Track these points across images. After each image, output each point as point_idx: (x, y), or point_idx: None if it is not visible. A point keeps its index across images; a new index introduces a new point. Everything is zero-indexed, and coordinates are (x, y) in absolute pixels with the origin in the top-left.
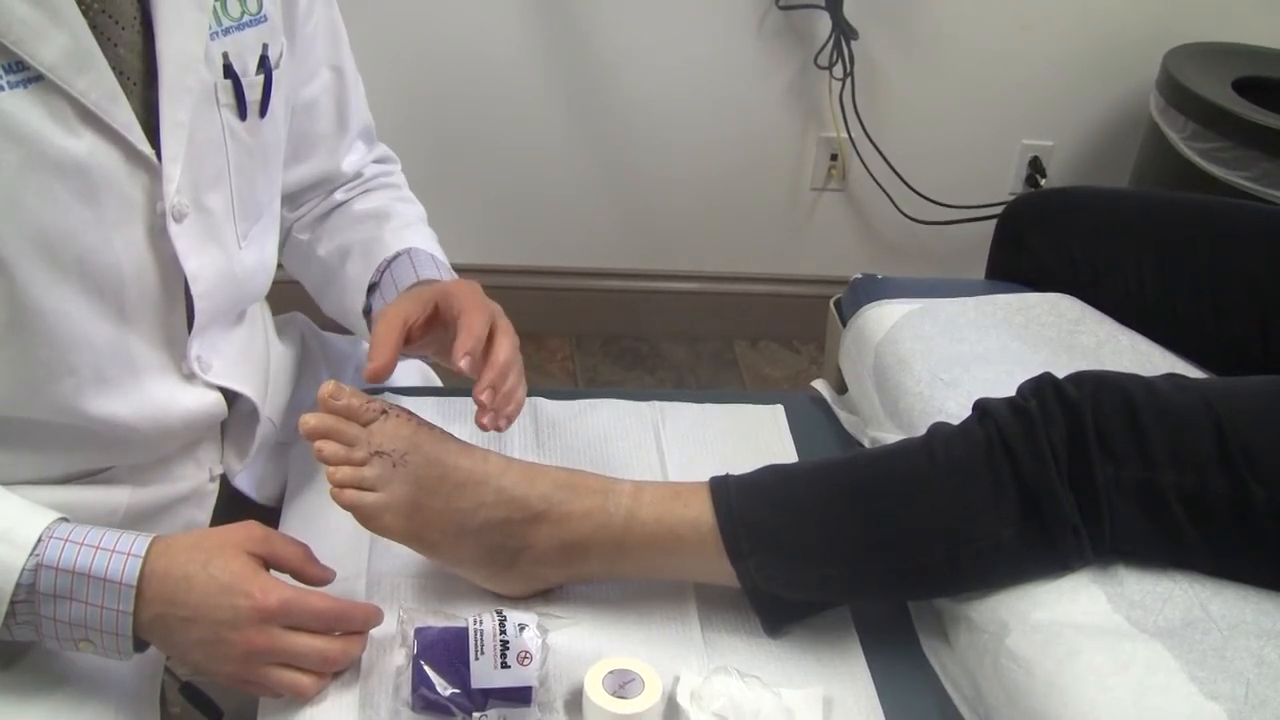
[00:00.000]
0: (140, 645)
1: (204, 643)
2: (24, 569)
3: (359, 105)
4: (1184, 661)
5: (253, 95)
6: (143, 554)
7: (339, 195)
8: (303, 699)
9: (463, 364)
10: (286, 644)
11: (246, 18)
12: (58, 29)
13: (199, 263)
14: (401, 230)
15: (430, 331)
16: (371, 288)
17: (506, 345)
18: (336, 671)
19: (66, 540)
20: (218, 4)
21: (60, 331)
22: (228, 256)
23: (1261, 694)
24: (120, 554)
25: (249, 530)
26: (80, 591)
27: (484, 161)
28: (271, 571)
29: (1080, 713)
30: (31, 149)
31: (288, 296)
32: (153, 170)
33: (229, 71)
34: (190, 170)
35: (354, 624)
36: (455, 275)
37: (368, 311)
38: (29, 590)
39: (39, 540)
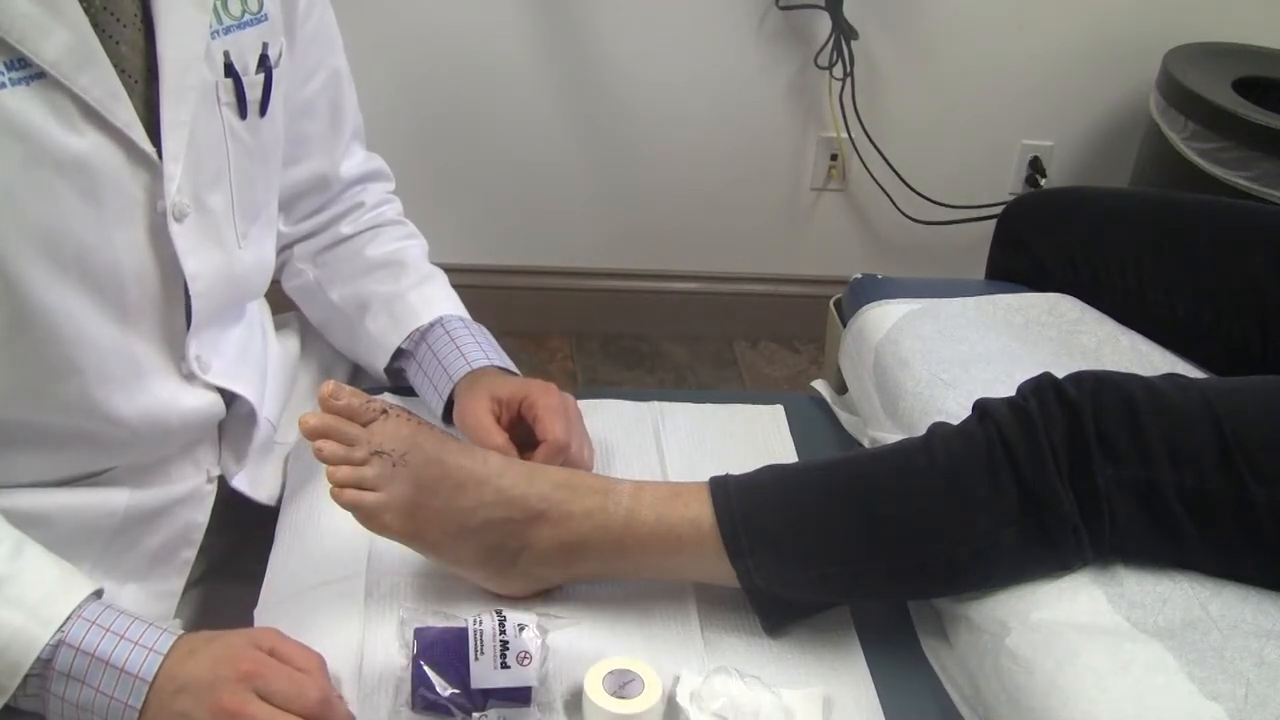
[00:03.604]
0: None
1: (185, 714)
2: (47, 644)
3: (352, 106)
4: (1184, 661)
5: (253, 94)
6: (165, 651)
7: (345, 228)
8: None
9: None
10: (255, 711)
11: (248, 16)
12: (60, 26)
13: (198, 262)
14: (423, 287)
15: (509, 428)
16: (400, 351)
17: (588, 453)
18: None
19: (94, 623)
20: (219, 3)
21: (63, 330)
22: (227, 256)
23: (1261, 694)
24: (143, 648)
25: (266, 632)
26: (94, 677)
27: (484, 161)
28: None
29: (1080, 713)
30: (33, 146)
31: (287, 296)
32: (154, 169)
33: (230, 70)
34: (191, 169)
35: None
36: (493, 342)
37: (389, 369)
38: (45, 665)
39: (68, 618)
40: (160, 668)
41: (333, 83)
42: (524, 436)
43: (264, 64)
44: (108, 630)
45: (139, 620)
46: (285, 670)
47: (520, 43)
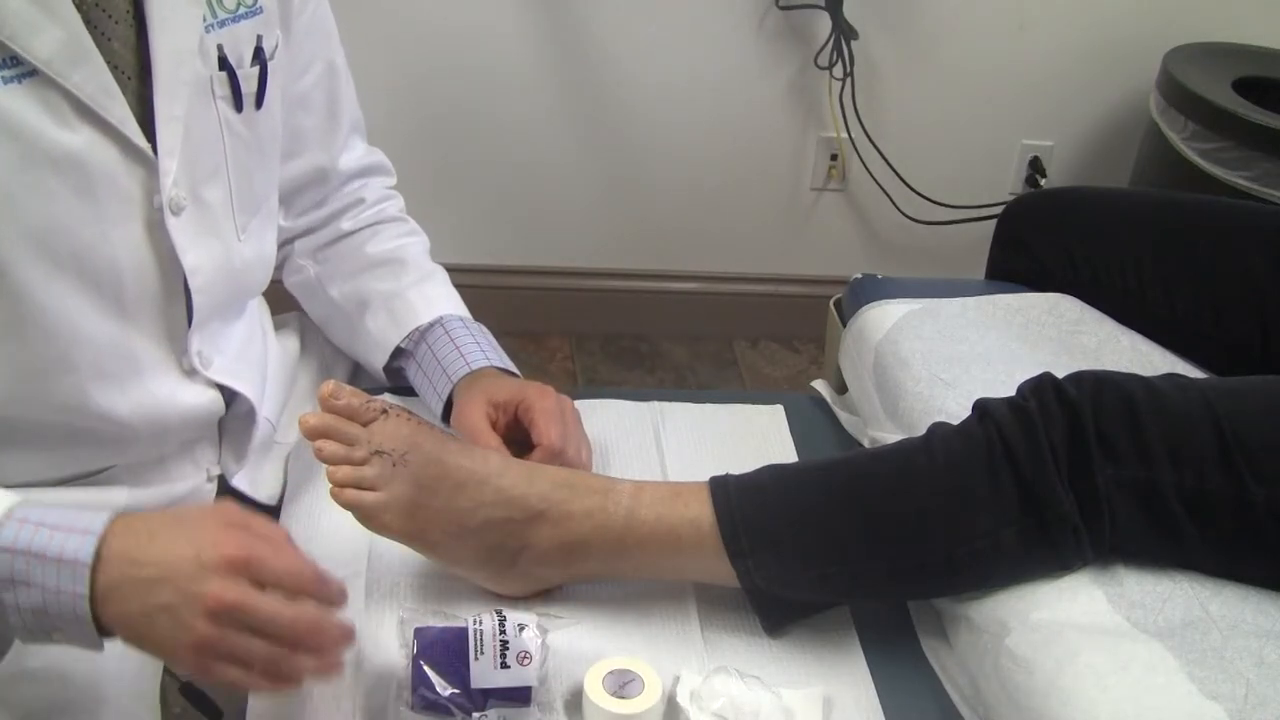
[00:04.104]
0: (108, 632)
1: (169, 607)
2: None
3: (350, 99)
4: (1184, 661)
5: (248, 87)
6: (99, 530)
7: (345, 224)
8: (271, 688)
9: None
10: (257, 603)
11: (242, 10)
12: (52, 23)
13: (197, 255)
14: (423, 286)
15: (506, 431)
16: (399, 350)
17: (585, 454)
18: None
19: (25, 521)
20: None
21: (60, 328)
22: (226, 249)
23: (1261, 694)
24: (77, 533)
25: (226, 508)
26: (36, 575)
27: (484, 161)
28: None
29: (1080, 713)
30: (27, 144)
31: (287, 296)
32: (149, 164)
33: (224, 64)
34: (187, 163)
35: (324, 592)
36: (493, 342)
37: (388, 368)
38: None
39: None
40: (102, 549)
41: (329, 76)
42: (522, 438)
43: (259, 57)
44: (40, 525)
45: (74, 510)
46: (273, 548)
47: (520, 43)
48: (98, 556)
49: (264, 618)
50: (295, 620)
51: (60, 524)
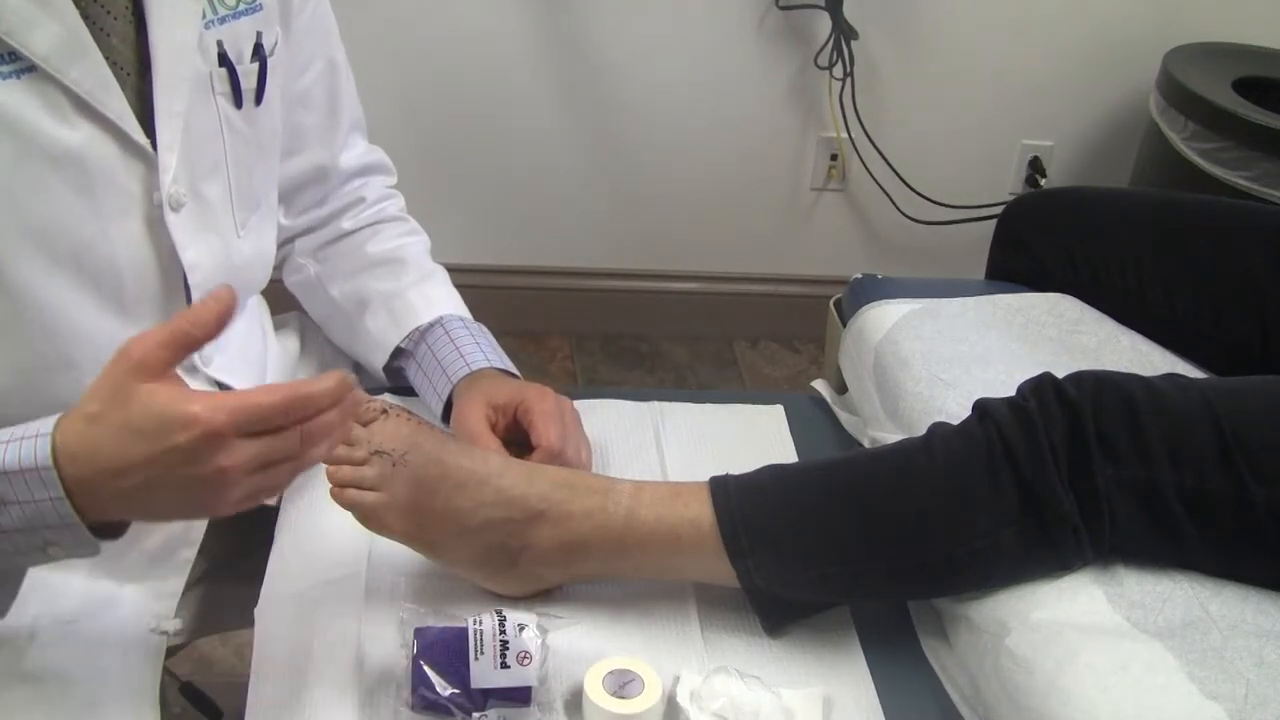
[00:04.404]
0: (107, 530)
1: (177, 496)
2: None
3: (350, 97)
4: (1184, 661)
5: (248, 83)
6: (49, 431)
7: (346, 223)
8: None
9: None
10: (259, 450)
11: (242, 6)
12: (49, 19)
13: (197, 252)
14: (423, 286)
15: (505, 432)
16: (399, 350)
17: (585, 455)
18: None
19: None
20: None
21: (59, 324)
22: (226, 246)
23: (1261, 694)
24: (29, 438)
25: (126, 359)
26: (7, 491)
27: (484, 161)
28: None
29: (1080, 713)
30: (25, 140)
31: (287, 296)
32: (148, 160)
33: (224, 60)
34: (186, 159)
35: (318, 402)
36: (493, 343)
37: (388, 367)
38: None
39: None
40: (57, 444)
41: (329, 73)
42: (521, 440)
43: (259, 53)
44: None
45: (30, 423)
46: (247, 402)
47: (521, 44)
48: (57, 454)
49: (271, 455)
50: (303, 438)
51: (11, 437)
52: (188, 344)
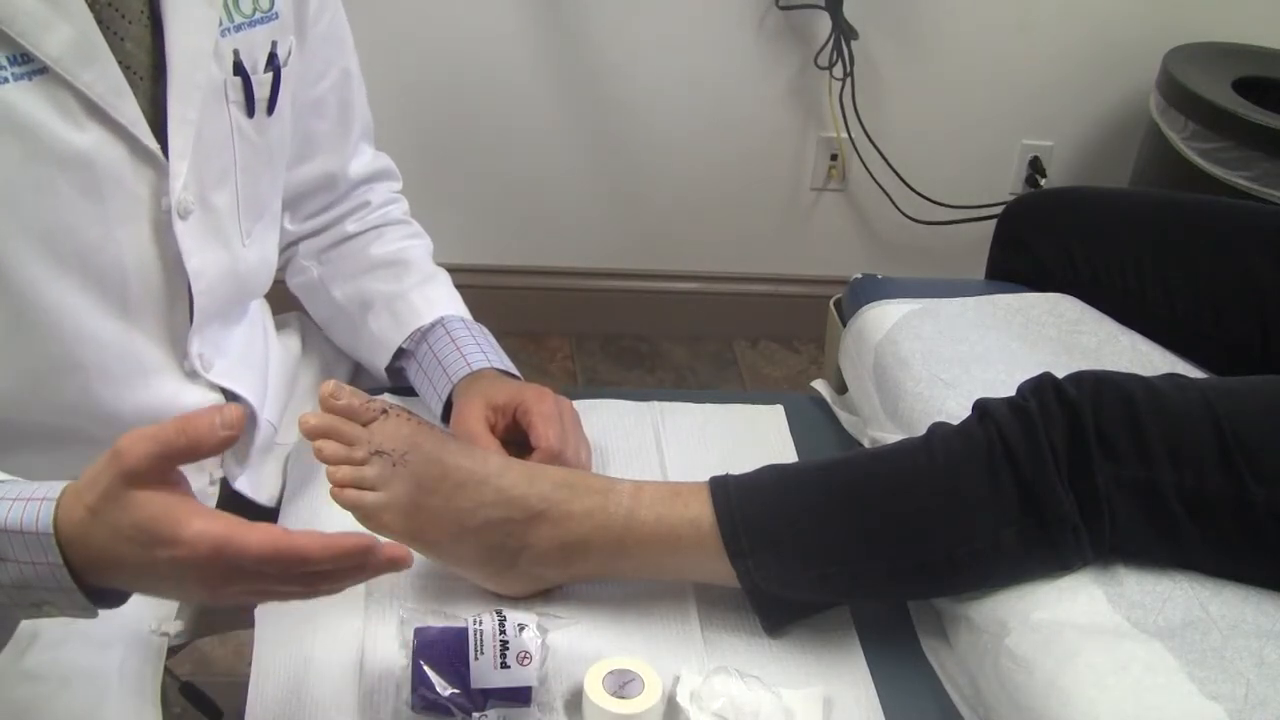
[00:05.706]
0: (106, 598)
1: (172, 591)
2: None
3: (362, 106)
4: (1184, 661)
5: (261, 93)
6: (55, 497)
7: (350, 226)
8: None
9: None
10: (250, 584)
11: (258, 15)
12: (63, 21)
13: (202, 260)
14: (424, 287)
15: (505, 433)
16: (401, 351)
17: (585, 455)
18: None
19: None
20: (230, 0)
21: (65, 327)
22: (231, 254)
23: (1261, 694)
24: (35, 500)
25: (118, 463)
26: (7, 549)
27: (484, 161)
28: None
29: (1080, 713)
30: (35, 142)
31: (288, 295)
32: (159, 166)
33: (239, 68)
34: (197, 167)
35: (314, 563)
36: (493, 343)
37: (390, 368)
38: None
39: None
40: (59, 518)
41: (343, 82)
42: (521, 440)
43: (273, 62)
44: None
45: (38, 483)
46: (234, 539)
47: (521, 44)
48: (58, 526)
49: (269, 587)
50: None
51: (19, 495)
52: (180, 458)
